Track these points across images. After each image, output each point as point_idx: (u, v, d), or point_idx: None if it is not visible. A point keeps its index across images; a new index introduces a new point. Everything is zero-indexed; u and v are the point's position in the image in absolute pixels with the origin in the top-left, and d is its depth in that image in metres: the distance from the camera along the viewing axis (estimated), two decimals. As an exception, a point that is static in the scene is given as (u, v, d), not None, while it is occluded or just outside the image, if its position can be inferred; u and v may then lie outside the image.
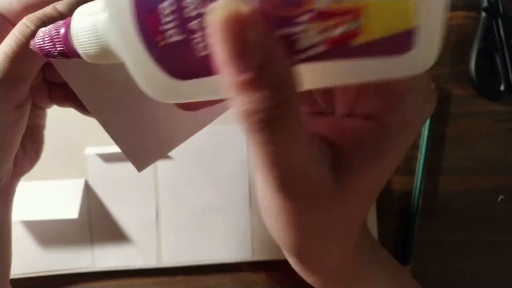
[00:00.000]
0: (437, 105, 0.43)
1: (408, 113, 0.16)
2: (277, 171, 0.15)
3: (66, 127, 0.40)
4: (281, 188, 0.15)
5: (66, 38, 0.17)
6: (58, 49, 0.18)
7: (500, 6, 0.42)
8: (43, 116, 0.29)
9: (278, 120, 0.13)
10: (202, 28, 0.13)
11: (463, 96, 0.43)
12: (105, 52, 0.16)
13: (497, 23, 0.42)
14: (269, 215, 0.18)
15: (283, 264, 0.42)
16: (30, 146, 0.29)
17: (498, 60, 0.43)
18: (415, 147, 0.43)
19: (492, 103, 0.43)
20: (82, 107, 0.26)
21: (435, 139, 0.43)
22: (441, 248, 0.43)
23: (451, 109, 0.43)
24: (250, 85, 0.13)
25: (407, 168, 0.43)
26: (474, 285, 0.43)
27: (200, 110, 0.18)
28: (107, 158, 0.39)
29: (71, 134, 0.40)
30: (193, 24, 0.13)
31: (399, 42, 0.13)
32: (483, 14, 0.43)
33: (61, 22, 0.18)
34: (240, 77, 0.13)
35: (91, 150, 0.39)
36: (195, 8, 0.13)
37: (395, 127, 0.16)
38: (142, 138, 0.26)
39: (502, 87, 0.43)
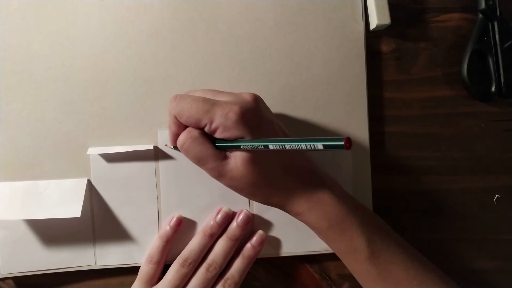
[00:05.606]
0: (433, 105, 0.44)
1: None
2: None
3: (69, 128, 0.40)
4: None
5: None
6: None
7: (497, 9, 0.43)
8: None
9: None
10: None
11: (459, 97, 0.44)
12: None
13: (493, 26, 0.43)
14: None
15: (282, 261, 0.42)
16: None
17: (490, 62, 0.43)
18: (409, 146, 0.43)
19: (488, 104, 0.44)
20: None
21: (431, 139, 0.43)
22: (437, 247, 0.44)
23: (447, 110, 0.44)
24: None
25: (406, 168, 0.43)
26: (471, 283, 0.44)
27: None
28: (109, 158, 0.40)
29: (74, 135, 0.40)
30: None
31: None
32: (480, 16, 0.43)
33: None
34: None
35: (94, 151, 0.39)
36: None
37: None
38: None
39: (493, 89, 0.43)
